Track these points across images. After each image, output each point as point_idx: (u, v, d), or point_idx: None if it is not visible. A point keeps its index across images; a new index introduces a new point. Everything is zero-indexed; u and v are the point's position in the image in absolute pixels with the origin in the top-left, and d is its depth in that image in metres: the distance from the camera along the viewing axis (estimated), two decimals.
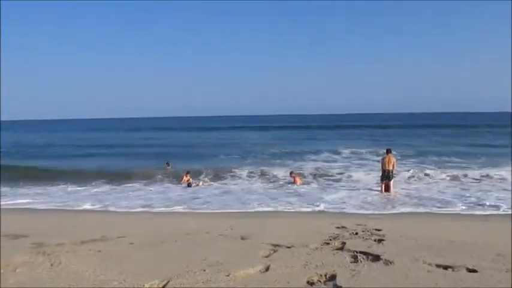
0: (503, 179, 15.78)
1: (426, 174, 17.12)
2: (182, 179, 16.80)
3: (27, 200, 13.64)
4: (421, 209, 11.39)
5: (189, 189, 15.50)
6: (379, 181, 14.45)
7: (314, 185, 15.85)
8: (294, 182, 16.10)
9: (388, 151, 14.74)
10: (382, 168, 14.33)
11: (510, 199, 12.20)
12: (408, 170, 17.63)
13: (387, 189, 14.00)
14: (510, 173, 16.29)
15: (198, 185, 16.32)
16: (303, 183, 16.13)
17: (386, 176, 14.12)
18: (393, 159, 14.36)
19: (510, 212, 10.66)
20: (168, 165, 19.64)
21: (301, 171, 17.86)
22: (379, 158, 16.40)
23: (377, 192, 13.91)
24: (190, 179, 16.64)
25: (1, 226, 7.37)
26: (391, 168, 14.13)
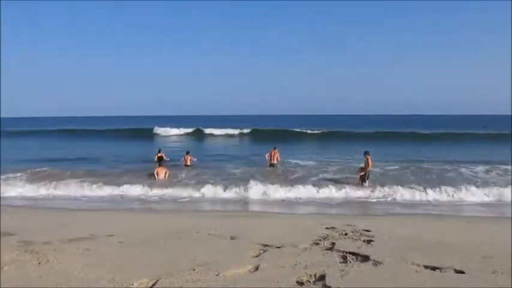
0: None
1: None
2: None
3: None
4: (408, 210, 11.61)
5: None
6: (359, 179, 15.62)
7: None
8: (272, 159, 17.73)
9: (366, 153, 15.87)
10: (361, 169, 15.64)
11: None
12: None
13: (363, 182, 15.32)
14: None
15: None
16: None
17: (366, 176, 15.41)
18: (370, 161, 15.63)
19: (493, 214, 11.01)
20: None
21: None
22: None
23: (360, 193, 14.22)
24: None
25: None
26: (369, 169, 15.51)
